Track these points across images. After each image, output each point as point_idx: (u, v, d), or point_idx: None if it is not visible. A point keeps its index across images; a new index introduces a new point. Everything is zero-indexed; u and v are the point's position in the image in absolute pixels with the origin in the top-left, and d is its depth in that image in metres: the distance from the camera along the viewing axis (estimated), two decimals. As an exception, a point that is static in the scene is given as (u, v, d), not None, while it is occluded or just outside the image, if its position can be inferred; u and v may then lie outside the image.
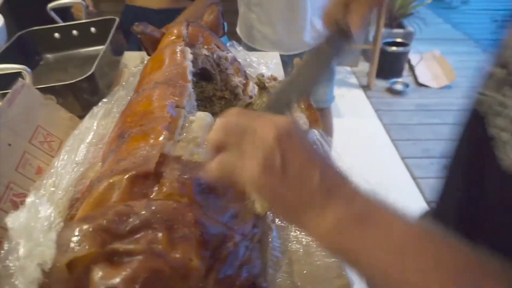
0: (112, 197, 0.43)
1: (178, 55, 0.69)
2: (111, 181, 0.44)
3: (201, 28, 0.80)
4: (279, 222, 0.58)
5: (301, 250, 0.56)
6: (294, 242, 0.56)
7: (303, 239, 0.58)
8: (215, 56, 0.77)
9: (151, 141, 0.49)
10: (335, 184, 0.33)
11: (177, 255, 0.39)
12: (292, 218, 0.35)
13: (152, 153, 0.47)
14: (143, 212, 0.41)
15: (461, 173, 0.46)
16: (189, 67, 0.66)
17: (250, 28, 1.52)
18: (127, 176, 0.44)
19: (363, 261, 0.32)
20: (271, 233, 0.55)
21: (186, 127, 0.56)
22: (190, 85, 0.63)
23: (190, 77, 0.65)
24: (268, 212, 0.54)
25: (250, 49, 1.55)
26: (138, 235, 0.39)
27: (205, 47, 0.77)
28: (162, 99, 0.59)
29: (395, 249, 0.31)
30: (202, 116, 0.58)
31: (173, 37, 0.74)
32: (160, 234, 0.39)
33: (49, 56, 1.08)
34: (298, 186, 0.33)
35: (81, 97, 0.79)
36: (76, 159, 0.59)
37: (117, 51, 1.00)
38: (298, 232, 0.57)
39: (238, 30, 1.61)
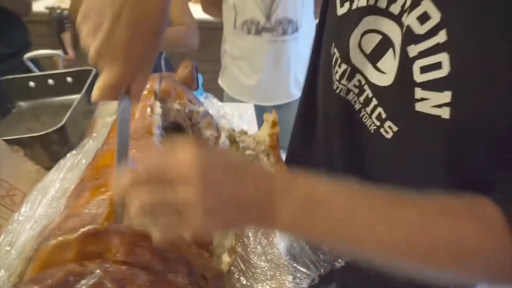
0: (61, 258, 0.42)
1: (148, 109, 0.70)
2: (58, 240, 0.43)
3: (173, 83, 0.82)
4: (244, 281, 0.57)
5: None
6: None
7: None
8: (187, 110, 0.79)
9: (103, 196, 0.48)
10: (270, 186, 0.36)
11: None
12: (257, 228, 0.40)
13: (102, 209, 0.46)
14: (97, 272, 0.40)
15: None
16: (157, 121, 0.68)
17: (234, 80, 1.56)
18: (75, 235, 0.43)
19: (329, 238, 0.37)
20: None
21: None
22: (154, 138, 0.64)
23: (156, 131, 0.66)
24: (232, 268, 0.53)
25: (232, 100, 1.58)
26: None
27: (178, 101, 0.78)
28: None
29: (343, 215, 0.36)
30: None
31: (145, 92, 0.75)
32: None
33: (22, 103, 1.07)
34: (241, 206, 0.35)
35: (50, 149, 0.78)
36: (36, 215, 0.58)
37: (91, 100, 1.01)
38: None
39: (220, 81, 1.64)
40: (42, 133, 0.75)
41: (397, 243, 0.36)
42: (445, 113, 0.40)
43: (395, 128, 0.47)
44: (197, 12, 2.22)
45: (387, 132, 0.48)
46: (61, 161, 0.71)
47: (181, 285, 0.44)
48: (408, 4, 0.41)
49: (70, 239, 0.44)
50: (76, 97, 0.93)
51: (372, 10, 0.47)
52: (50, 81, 1.06)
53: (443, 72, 0.38)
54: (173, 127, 0.80)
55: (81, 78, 1.04)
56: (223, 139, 0.85)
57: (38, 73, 1.08)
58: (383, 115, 0.48)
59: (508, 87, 0.36)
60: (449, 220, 0.36)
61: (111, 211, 0.46)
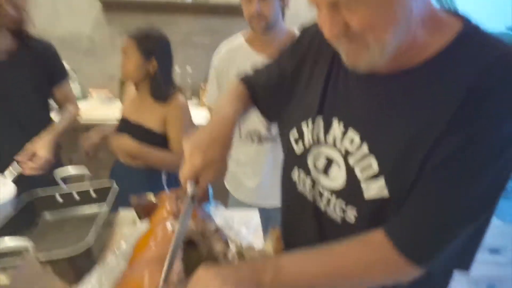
0: None
1: (169, 231, 0.80)
2: None
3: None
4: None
5: None
6: None
7: None
8: (200, 228, 0.89)
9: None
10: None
11: None
12: None
13: None
14: None
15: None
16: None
17: (238, 182, 1.67)
18: None
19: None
20: None
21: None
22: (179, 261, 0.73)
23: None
24: None
25: (237, 202, 1.67)
26: None
27: (192, 222, 0.89)
28: (152, 277, 0.67)
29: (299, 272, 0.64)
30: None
31: (166, 214, 0.86)
32: None
33: (47, 214, 1.16)
34: None
35: (76, 267, 0.86)
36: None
37: (112, 212, 1.12)
38: None
39: (226, 183, 1.75)
40: (73, 255, 0.83)
41: (325, 273, 0.63)
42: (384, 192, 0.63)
43: (356, 215, 0.69)
44: (203, 114, 2.42)
45: (351, 219, 0.70)
46: (86, 277, 0.79)
47: None
48: (339, 135, 0.70)
49: None
50: (97, 209, 1.02)
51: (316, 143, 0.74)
52: (76, 196, 1.18)
53: (374, 170, 0.63)
54: (186, 242, 0.89)
55: (101, 189, 1.16)
56: (232, 252, 0.93)
57: (66, 190, 1.18)
58: (343, 205, 0.70)
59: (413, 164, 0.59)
60: (350, 253, 0.63)
61: None
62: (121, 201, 1.17)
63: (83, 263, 0.86)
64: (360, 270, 0.62)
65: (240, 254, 0.88)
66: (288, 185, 0.88)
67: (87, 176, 1.19)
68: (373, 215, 0.66)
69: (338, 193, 0.71)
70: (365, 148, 0.64)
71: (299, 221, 0.85)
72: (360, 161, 0.65)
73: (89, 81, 2.86)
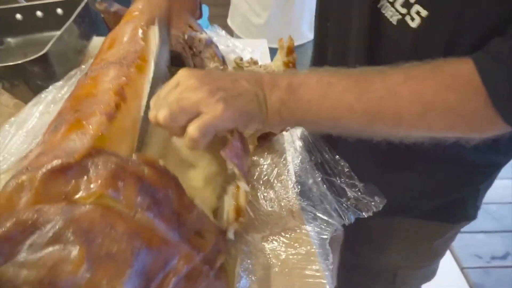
0: (20, 202, 0.32)
1: (139, 31, 0.58)
2: (20, 180, 0.33)
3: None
4: (250, 238, 0.48)
5: (276, 268, 0.46)
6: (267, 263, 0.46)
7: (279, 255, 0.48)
8: (186, 36, 0.67)
9: (83, 129, 0.38)
10: (259, 80, 0.42)
11: (95, 281, 0.28)
12: (260, 123, 0.43)
13: (81, 143, 0.36)
14: (57, 219, 0.31)
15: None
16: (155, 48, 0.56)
17: (243, 19, 1.43)
18: (40, 172, 0.33)
19: (311, 116, 0.42)
20: (238, 255, 0.45)
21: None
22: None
23: (151, 57, 0.55)
24: (234, 228, 0.44)
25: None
26: (43, 252, 0.29)
27: (174, 30, 0.66)
28: (111, 81, 0.48)
29: (319, 92, 0.41)
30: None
31: (136, 13, 0.63)
32: (74, 251, 0.29)
33: (10, 40, 0.97)
34: (241, 93, 0.41)
35: (32, 82, 0.68)
36: (5, 150, 0.49)
37: (84, 34, 0.90)
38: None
39: (229, 21, 1.52)
40: (20, 62, 0.64)
41: (366, 109, 0.41)
42: None
43: (424, 13, 0.43)
44: None
45: (413, 20, 0.45)
46: (42, 94, 0.61)
47: (170, 239, 0.35)
48: None
49: (32, 178, 0.34)
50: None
51: None
52: (39, 13, 0.95)
53: None
54: (171, 58, 0.68)
55: (72, 9, 0.92)
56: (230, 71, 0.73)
57: (24, 3, 0.96)
58: None
59: None
60: (411, 85, 0.40)
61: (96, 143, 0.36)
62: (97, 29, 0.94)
63: (38, 77, 0.67)
64: (422, 112, 0.40)
65: (241, 70, 0.68)
66: None
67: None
68: (453, 16, 0.42)
69: None
70: None
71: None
72: None
73: None
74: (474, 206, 0.64)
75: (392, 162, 0.57)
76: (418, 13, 0.43)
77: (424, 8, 0.43)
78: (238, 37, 1.48)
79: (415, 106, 0.40)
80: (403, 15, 0.45)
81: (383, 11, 0.47)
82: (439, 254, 0.71)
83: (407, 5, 0.44)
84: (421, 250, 0.68)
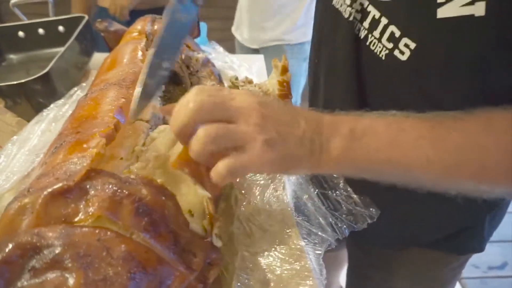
0: (22, 225, 0.34)
1: (139, 53, 0.60)
2: (22, 202, 0.35)
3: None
4: (246, 253, 0.49)
5: (272, 283, 0.48)
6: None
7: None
8: (183, 56, 0.69)
9: (84, 152, 0.40)
10: (319, 121, 0.38)
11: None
12: (306, 169, 0.39)
13: (81, 165, 0.38)
14: (56, 244, 0.32)
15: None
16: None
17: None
18: (42, 195, 0.35)
19: (378, 166, 0.38)
20: (235, 271, 0.46)
21: (147, 143, 0.48)
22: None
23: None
24: (217, 235, 0.45)
25: (246, 50, 1.57)
26: (42, 278, 0.30)
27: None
28: (110, 102, 0.50)
29: (388, 138, 0.37)
30: (168, 131, 0.50)
31: (135, 33, 0.65)
32: (71, 278, 0.30)
33: (12, 56, 0.99)
34: (295, 138, 0.37)
35: (34, 100, 0.70)
36: (8, 169, 0.50)
37: (85, 51, 0.92)
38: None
39: (233, 31, 1.62)
40: (23, 81, 0.66)
41: (445, 161, 0.37)
42: (479, 9, 0.36)
43: (412, 45, 0.43)
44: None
45: (402, 53, 0.44)
46: (44, 112, 0.63)
47: (165, 258, 0.36)
48: None
49: (34, 201, 0.35)
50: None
51: None
52: (40, 31, 0.97)
53: None
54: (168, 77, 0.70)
55: (74, 27, 0.94)
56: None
57: (26, 21, 0.98)
58: (397, 33, 0.44)
59: None
60: (495, 137, 0.36)
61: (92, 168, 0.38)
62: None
63: (40, 95, 0.69)
64: (509, 166, 0.36)
65: (236, 89, 0.70)
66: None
67: (52, 5, 0.96)
68: (441, 49, 0.42)
69: (389, 8, 0.46)
70: None
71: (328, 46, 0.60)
72: None
73: None
74: (481, 238, 0.61)
75: (395, 195, 0.55)
76: (407, 45, 0.43)
77: (412, 40, 0.42)
78: (240, 44, 1.54)
79: (503, 158, 0.35)
80: (391, 50, 0.45)
81: (372, 48, 0.48)
82: (449, 282, 0.69)
83: (393, 40, 0.45)
84: (429, 278, 0.67)
